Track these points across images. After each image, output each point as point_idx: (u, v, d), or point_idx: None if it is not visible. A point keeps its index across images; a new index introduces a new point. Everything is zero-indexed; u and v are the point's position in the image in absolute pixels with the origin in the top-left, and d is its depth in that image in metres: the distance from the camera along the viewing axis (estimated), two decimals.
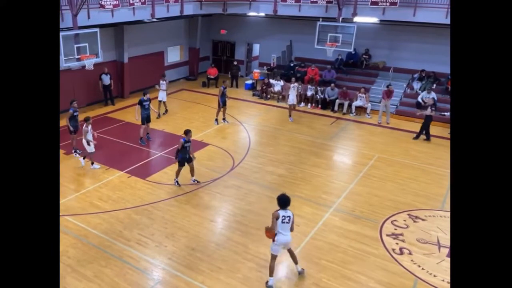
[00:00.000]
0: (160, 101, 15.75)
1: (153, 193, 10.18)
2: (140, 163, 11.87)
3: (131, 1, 15.09)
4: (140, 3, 15.47)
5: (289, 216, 6.92)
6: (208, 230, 8.79)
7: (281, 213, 6.88)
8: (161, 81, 15.63)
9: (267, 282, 7.10)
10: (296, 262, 7.40)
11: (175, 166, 11.60)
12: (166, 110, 16.15)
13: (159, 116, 15.52)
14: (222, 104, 15.04)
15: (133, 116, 15.56)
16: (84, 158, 11.53)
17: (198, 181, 10.69)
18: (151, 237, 8.43)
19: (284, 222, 6.88)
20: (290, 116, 15.80)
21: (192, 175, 10.67)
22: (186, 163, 10.39)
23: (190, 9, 18.15)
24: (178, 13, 17.61)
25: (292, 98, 15.51)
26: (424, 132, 14.02)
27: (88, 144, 11.12)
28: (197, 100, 18.32)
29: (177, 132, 14.18)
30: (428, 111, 13.84)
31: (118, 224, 8.85)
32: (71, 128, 11.85)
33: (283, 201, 6.92)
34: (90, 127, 11.10)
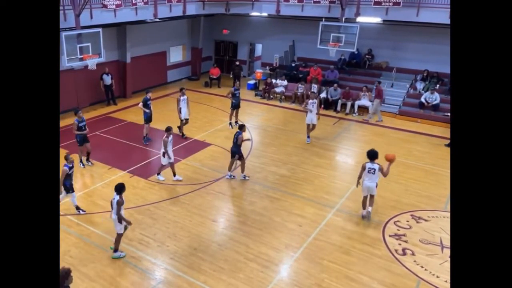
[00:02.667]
0: (184, 120, 13.72)
1: (156, 193, 10.17)
2: (143, 163, 11.86)
3: (133, 1, 15.10)
4: (142, 3, 15.48)
5: (374, 168, 8.75)
6: (210, 230, 8.77)
7: (368, 165, 8.80)
8: (181, 97, 13.55)
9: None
10: (370, 205, 9.16)
11: (177, 166, 11.62)
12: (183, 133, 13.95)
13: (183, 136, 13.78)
14: (234, 106, 14.60)
15: (135, 115, 15.64)
16: (158, 174, 10.92)
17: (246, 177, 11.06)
18: (153, 236, 8.42)
19: (369, 172, 8.82)
20: (308, 137, 13.73)
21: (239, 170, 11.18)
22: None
23: (192, 9, 18.13)
24: (180, 13, 17.60)
25: (311, 117, 13.37)
26: None
27: (163, 155, 10.41)
28: (200, 100, 18.31)
29: (179, 132, 14.17)
30: None
31: None
32: (77, 139, 11.12)
33: (370, 155, 8.80)
34: (171, 137, 10.39)
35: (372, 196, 9.09)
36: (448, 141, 13.75)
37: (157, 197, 9.95)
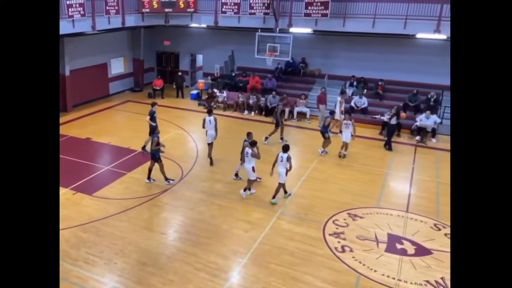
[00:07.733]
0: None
1: (101, 209, 10.02)
2: (86, 179, 11.60)
3: (70, 13, 14.69)
4: (79, 15, 15.09)
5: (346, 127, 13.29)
6: (159, 243, 8.84)
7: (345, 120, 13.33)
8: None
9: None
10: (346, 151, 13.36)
11: (123, 179, 11.52)
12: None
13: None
14: (279, 122, 14.75)
15: (77, 129, 15.28)
16: (245, 191, 10.75)
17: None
18: (100, 254, 8.32)
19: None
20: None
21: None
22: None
23: (131, 21, 17.98)
24: (119, 24, 17.39)
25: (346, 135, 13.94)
26: (389, 141, 14.52)
27: (254, 170, 10.37)
28: (144, 112, 18.02)
29: (124, 145, 14.03)
30: (386, 118, 14.85)
31: (63, 243, 8.58)
32: (157, 156, 11.09)
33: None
34: (252, 150, 10.32)
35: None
36: (384, 142, 14.84)
37: (103, 213, 9.82)
